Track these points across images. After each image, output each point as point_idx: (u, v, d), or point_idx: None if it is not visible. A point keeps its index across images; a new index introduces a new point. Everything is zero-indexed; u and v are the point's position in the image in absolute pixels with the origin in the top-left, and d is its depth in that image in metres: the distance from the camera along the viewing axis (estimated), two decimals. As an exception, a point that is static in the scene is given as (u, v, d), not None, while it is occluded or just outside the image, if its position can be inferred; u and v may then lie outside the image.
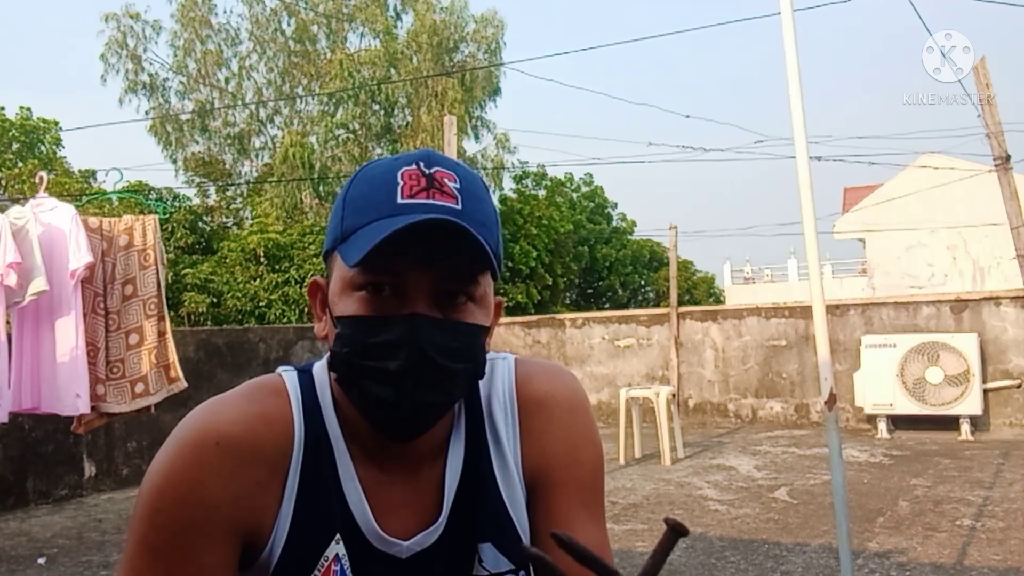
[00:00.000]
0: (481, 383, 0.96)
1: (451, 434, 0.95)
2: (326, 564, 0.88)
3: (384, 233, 0.78)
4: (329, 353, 0.88)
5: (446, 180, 0.84)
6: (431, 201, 0.82)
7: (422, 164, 0.85)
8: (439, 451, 0.94)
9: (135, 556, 0.84)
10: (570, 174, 24.15)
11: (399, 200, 0.82)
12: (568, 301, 22.00)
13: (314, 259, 14.47)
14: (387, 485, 0.91)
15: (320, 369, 0.93)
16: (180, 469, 0.84)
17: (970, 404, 8.80)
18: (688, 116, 22.83)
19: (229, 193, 19.46)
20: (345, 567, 0.88)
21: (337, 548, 0.88)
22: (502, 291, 16.53)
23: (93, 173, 17.30)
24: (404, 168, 0.84)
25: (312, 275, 13.96)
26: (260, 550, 0.87)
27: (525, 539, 0.95)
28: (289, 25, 18.33)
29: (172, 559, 0.83)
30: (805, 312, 9.99)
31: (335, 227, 0.87)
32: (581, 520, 0.95)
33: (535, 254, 17.41)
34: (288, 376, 0.93)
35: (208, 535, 0.84)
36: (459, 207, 0.83)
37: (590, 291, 24.04)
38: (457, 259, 0.82)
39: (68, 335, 4.47)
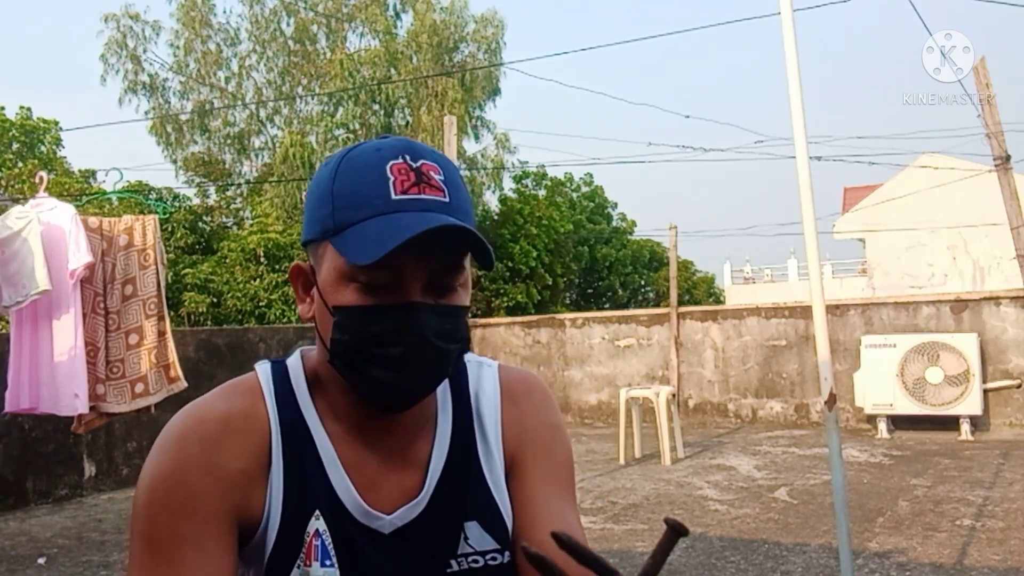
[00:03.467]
0: (470, 380, 1.03)
1: (438, 417, 0.99)
2: (308, 540, 0.91)
3: (395, 240, 0.82)
4: (320, 339, 0.92)
5: (432, 173, 0.88)
6: (423, 196, 0.87)
7: (408, 157, 0.88)
8: (425, 431, 0.98)
9: (140, 553, 0.88)
10: (570, 174, 24.12)
11: (393, 196, 0.86)
12: (568, 301, 21.98)
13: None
14: (371, 461, 0.95)
15: (294, 359, 0.99)
16: (167, 467, 0.89)
17: (970, 404, 8.80)
18: (688, 116, 22.83)
19: (229, 193, 19.45)
20: (326, 542, 0.92)
21: (317, 523, 0.92)
22: (502, 291, 16.54)
23: (93, 173, 17.30)
24: (391, 162, 0.87)
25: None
26: (253, 532, 0.91)
27: (509, 524, 0.99)
28: (289, 25, 18.32)
29: (175, 550, 0.86)
30: (805, 312, 10.00)
31: (323, 217, 0.89)
32: (558, 495, 1.01)
33: (535, 254, 17.39)
34: (261, 369, 0.98)
35: (203, 523, 0.87)
36: (447, 199, 0.88)
37: (590, 291, 24.01)
38: (453, 256, 0.88)
39: (67, 335, 4.46)
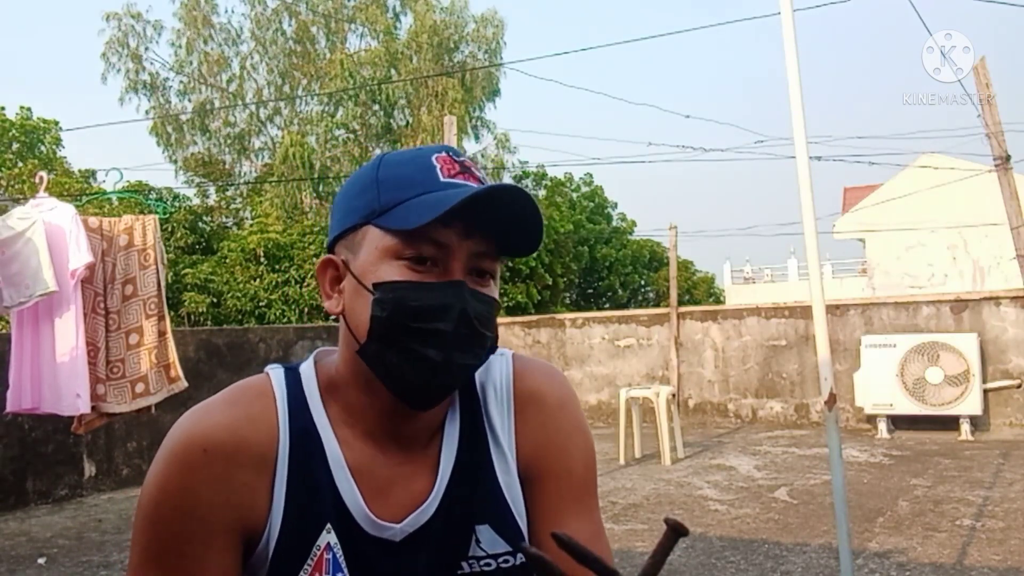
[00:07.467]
0: (476, 373, 0.98)
1: (446, 419, 0.97)
2: (318, 553, 0.90)
3: (446, 204, 0.83)
4: (349, 332, 0.90)
5: (474, 169, 0.92)
6: (469, 184, 0.89)
7: (450, 153, 0.92)
8: (433, 435, 0.96)
9: (140, 566, 0.88)
10: (570, 174, 24.09)
11: (441, 179, 0.89)
12: (568, 301, 21.96)
13: (314, 259, 14.47)
14: (380, 467, 0.93)
15: (307, 365, 0.97)
16: (172, 478, 0.87)
17: (970, 404, 8.80)
18: (688, 116, 22.76)
19: (229, 193, 19.46)
20: (337, 555, 0.90)
21: (328, 537, 0.90)
22: (502, 291, 16.54)
23: (93, 173, 17.31)
24: (435, 154, 0.91)
25: (312, 275, 13.96)
26: (256, 543, 0.90)
27: (522, 525, 0.97)
28: (290, 25, 18.34)
29: (176, 565, 0.87)
30: (805, 312, 9.99)
31: (367, 202, 0.90)
32: (575, 512, 0.98)
33: (535, 254, 17.38)
34: (274, 374, 0.95)
35: (207, 538, 0.87)
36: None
37: (590, 291, 23.99)
38: (496, 238, 0.89)
39: (68, 335, 4.46)
